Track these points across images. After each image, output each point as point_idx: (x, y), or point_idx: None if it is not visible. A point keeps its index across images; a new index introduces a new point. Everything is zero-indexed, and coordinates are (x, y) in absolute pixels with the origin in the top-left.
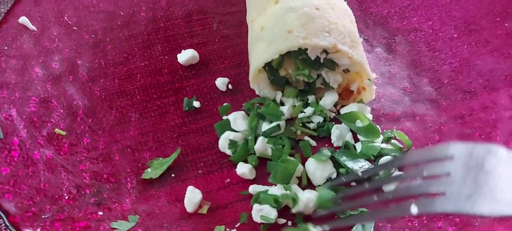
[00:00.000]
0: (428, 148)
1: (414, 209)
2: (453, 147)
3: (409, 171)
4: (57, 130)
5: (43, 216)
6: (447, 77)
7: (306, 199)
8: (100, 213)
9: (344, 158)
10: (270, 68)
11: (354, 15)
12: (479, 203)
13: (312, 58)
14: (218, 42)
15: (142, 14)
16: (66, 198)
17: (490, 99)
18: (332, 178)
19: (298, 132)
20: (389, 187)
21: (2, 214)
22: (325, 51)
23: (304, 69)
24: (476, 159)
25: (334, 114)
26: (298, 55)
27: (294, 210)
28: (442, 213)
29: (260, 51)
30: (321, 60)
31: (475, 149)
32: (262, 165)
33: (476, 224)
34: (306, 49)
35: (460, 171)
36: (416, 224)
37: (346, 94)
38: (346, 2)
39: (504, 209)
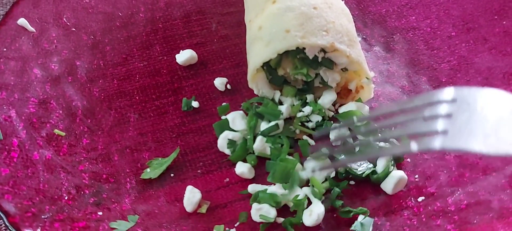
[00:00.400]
0: (430, 92)
1: (413, 147)
2: (456, 91)
3: (411, 113)
4: (56, 131)
5: (42, 216)
6: (446, 75)
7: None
8: (100, 213)
9: (342, 156)
10: (269, 67)
11: (353, 14)
12: (478, 142)
13: (310, 57)
14: (217, 42)
15: (140, 15)
16: (66, 198)
17: None
18: (331, 177)
19: (297, 131)
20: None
21: (2, 215)
22: (323, 50)
23: (302, 68)
24: (478, 102)
25: (332, 113)
26: (296, 55)
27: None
28: (441, 150)
29: (258, 51)
30: (319, 59)
31: (478, 92)
32: (261, 164)
33: (475, 221)
34: (304, 48)
35: (461, 113)
36: (415, 222)
37: (344, 93)
38: (343, 1)
39: (503, 147)
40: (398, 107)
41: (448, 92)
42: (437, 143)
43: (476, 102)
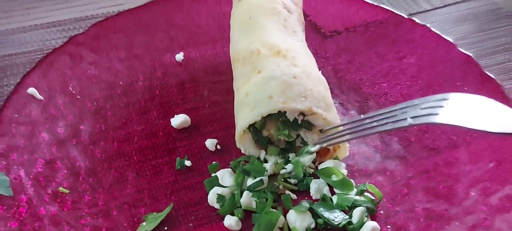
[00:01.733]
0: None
1: (409, 121)
2: (450, 94)
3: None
4: (61, 188)
5: None
6: (414, 136)
7: None
8: None
9: (321, 209)
10: (254, 129)
11: (330, 82)
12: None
13: (291, 119)
14: (208, 107)
15: (139, 83)
16: None
17: (452, 156)
18: (311, 227)
19: (280, 186)
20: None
21: None
22: (302, 113)
23: (284, 129)
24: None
25: (312, 170)
26: (279, 118)
27: None
28: (435, 124)
29: (245, 114)
30: (299, 122)
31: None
32: (247, 218)
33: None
34: (285, 112)
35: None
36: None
37: (323, 153)
38: (321, 71)
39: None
40: (395, 107)
41: (440, 96)
42: (430, 118)
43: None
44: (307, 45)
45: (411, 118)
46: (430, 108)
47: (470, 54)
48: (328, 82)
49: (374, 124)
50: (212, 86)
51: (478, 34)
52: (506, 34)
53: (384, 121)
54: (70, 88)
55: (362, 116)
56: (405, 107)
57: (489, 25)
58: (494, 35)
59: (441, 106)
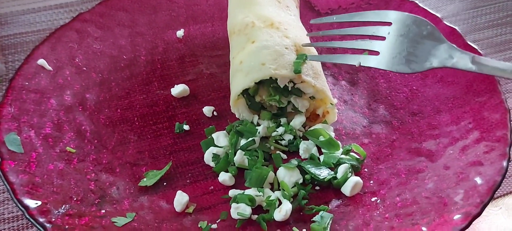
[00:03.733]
0: (371, 11)
1: (357, 61)
2: (392, 14)
3: (353, 29)
4: (68, 148)
5: (55, 212)
6: (400, 103)
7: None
8: (103, 211)
9: (309, 166)
10: (248, 95)
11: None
12: (397, 64)
13: (281, 86)
14: (206, 79)
15: (142, 57)
16: (75, 199)
17: (435, 119)
18: (299, 182)
19: (272, 147)
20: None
21: (22, 209)
22: (292, 81)
23: (275, 95)
24: (406, 27)
25: (302, 133)
26: (270, 84)
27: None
28: (376, 68)
29: (239, 80)
30: (289, 89)
31: (407, 19)
32: (240, 175)
33: (417, 215)
34: (276, 79)
35: (392, 37)
36: (368, 217)
37: (313, 118)
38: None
39: (407, 69)
40: (344, 19)
41: (386, 15)
42: (372, 62)
43: (404, 26)
44: (302, 22)
45: (360, 58)
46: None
47: (455, 27)
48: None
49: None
50: (210, 60)
51: (470, 10)
52: (496, 11)
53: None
54: (77, 60)
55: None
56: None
57: (481, 2)
58: (485, 11)
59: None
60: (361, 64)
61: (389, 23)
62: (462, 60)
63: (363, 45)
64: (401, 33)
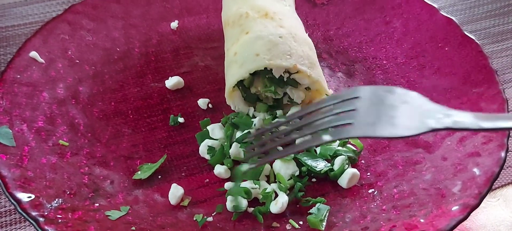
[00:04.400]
0: (338, 91)
1: (327, 137)
2: (359, 89)
3: (321, 111)
4: (61, 141)
5: (48, 206)
6: None
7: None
8: (96, 204)
9: (305, 158)
10: (243, 86)
11: (319, 47)
12: (381, 128)
13: (277, 76)
14: (201, 71)
15: (136, 50)
16: (68, 193)
17: None
18: (296, 174)
19: None
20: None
21: (14, 203)
22: (287, 71)
23: (271, 86)
24: (378, 96)
25: None
26: (265, 75)
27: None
28: (350, 137)
29: (234, 72)
30: (285, 79)
31: (377, 90)
32: (236, 167)
33: (415, 207)
34: (272, 69)
35: (365, 106)
36: (365, 209)
37: None
38: (309, 34)
39: (401, 132)
40: (312, 108)
41: (351, 91)
42: (346, 133)
43: (375, 96)
44: (298, 13)
45: (329, 133)
46: (345, 113)
47: (452, 17)
48: (316, 48)
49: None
50: (205, 52)
51: (467, 1)
52: (493, 1)
53: (305, 132)
54: (69, 53)
55: (283, 119)
56: (322, 107)
57: None
58: (482, 2)
59: (354, 110)
60: (333, 138)
61: (357, 97)
62: (465, 119)
63: (330, 123)
64: (373, 102)
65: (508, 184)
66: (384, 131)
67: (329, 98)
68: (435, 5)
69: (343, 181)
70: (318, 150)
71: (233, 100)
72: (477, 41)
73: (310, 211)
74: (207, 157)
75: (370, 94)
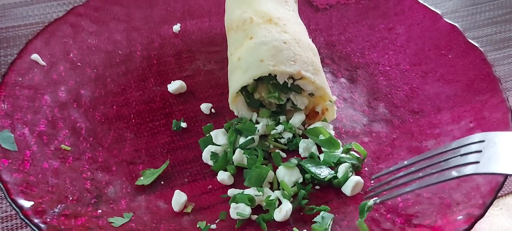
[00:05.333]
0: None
1: (454, 174)
2: (484, 134)
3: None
4: (63, 146)
5: (50, 211)
6: (400, 101)
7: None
8: (99, 211)
9: (309, 165)
10: (246, 92)
11: (322, 52)
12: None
13: (281, 82)
14: (204, 75)
15: (138, 53)
16: (70, 199)
17: (436, 118)
18: (299, 182)
19: (271, 146)
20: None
21: (17, 209)
22: (291, 77)
23: (275, 92)
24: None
25: (302, 131)
26: (269, 81)
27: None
28: (474, 174)
29: (237, 77)
30: (289, 85)
31: (501, 135)
32: (239, 174)
33: (419, 215)
34: (276, 75)
35: (489, 148)
36: (369, 217)
37: (312, 115)
38: (311, 39)
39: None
40: (435, 152)
41: (477, 137)
42: (470, 170)
43: (500, 141)
44: (301, 18)
45: (455, 169)
46: (470, 154)
47: (455, 24)
48: (319, 53)
49: (420, 174)
50: (208, 56)
51: (469, 8)
52: (495, 8)
53: (428, 171)
54: (71, 55)
55: (405, 162)
56: (444, 152)
57: None
58: (484, 9)
59: (480, 151)
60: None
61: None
62: None
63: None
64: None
65: (511, 193)
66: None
67: (455, 142)
68: (438, 11)
69: (347, 189)
70: (321, 156)
71: (237, 105)
72: (480, 49)
73: (314, 219)
74: (210, 163)
75: (494, 138)
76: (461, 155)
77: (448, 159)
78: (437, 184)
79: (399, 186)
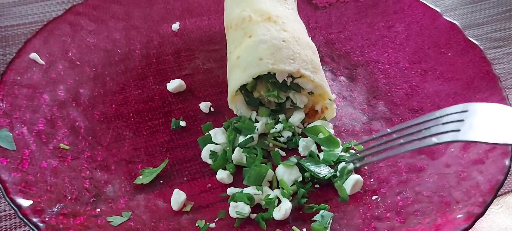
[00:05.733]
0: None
1: (434, 140)
2: (467, 105)
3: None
4: (61, 145)
5: (49, 211)
6: (400, 99)
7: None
8: (98, 210)
9: (308, 163)
10: (246, 91)
11: (321, 51)
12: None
13: (280, 81)
14: (203, 74)
15: (137, 51)
16: (69, 198)
17: None
18: (299, 180)
19: (270, 145)
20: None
21: (15, 208)
22: (291, 76)
23: (274, 90)
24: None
25: (301, 129)
26: (268, 79)
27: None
28: (454, 141)
29: (236, 76)
30: (288, 84)
31: (483, 106)
32: (238, 173)
33: (418, 214)
34: (275, 73)
35: (471, 117)
36: (369, 216)
37: (312, 114)
38: (311, 38)
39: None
40: (418, 120)
41: (460, 107)
42: (450, 137)
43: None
44: (300, 16)
45: (435, 136)
46: (451, 123)
47: (455, 22)
48: (319, 51)
49: (401, 140)
50: (207, 54)
51: (468, 5)
52: (494, 6)
53: (410, 138)
54: (70, 54)
55: (388, 130)
56: (427, 121)
57: None
58: (483, 6)
59: (462, 120)
60: (439, 142)
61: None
62: None
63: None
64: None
65: (511, 191)
66: (492, 138)
67: (438, 111)
68: (438, 9)
69: (347, 188)
70: (321, 155)
71: (236, 104)
72: (480, 46)
73: (314, 218)
74: (210, 161)
75: (478, 110)
76: (443, 124)
77: (429, 128)
78: (416, 150)
79: (380, 151)
